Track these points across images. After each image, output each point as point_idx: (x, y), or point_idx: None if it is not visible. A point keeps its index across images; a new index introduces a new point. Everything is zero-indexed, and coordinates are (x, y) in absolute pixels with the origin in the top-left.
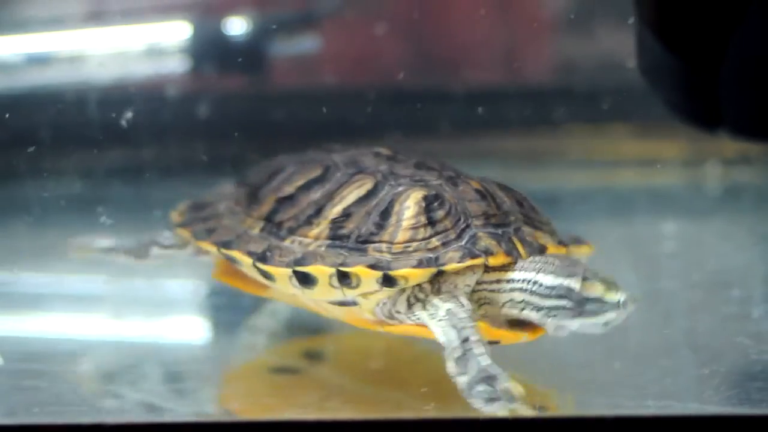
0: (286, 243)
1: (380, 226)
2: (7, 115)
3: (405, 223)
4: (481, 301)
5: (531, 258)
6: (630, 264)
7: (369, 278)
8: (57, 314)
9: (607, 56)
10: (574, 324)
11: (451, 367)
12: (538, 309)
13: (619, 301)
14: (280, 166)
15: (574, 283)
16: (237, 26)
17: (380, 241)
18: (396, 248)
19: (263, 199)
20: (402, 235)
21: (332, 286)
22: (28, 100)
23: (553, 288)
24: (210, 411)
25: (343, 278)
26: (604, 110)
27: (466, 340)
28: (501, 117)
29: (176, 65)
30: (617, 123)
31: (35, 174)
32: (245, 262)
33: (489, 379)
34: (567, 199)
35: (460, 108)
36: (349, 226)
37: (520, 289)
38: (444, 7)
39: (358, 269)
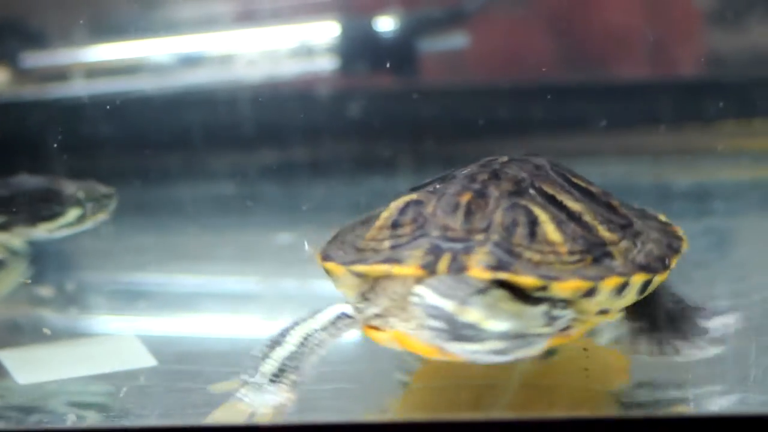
0: None
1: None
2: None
3: (377, 223)
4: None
5: (437, 276)
6: None
7: None
8: (210, 315)
9: (761, 49)
10: (454, 347)
11: None
12: (425, 328)
13: (503, 332)
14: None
15: (450, 306)
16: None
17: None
18: (361, 244)
19: None
20: (369, 233)
21: None
22: (181, 101)
23: (434, 308)
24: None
25: None
26: (757, 105)
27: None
28: (651, 112)
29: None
30: None
31: (188, 175)
32: None
33: None
34: (718, 195)
35: (610, 104)
36: None
37: (417, 304)
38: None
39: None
